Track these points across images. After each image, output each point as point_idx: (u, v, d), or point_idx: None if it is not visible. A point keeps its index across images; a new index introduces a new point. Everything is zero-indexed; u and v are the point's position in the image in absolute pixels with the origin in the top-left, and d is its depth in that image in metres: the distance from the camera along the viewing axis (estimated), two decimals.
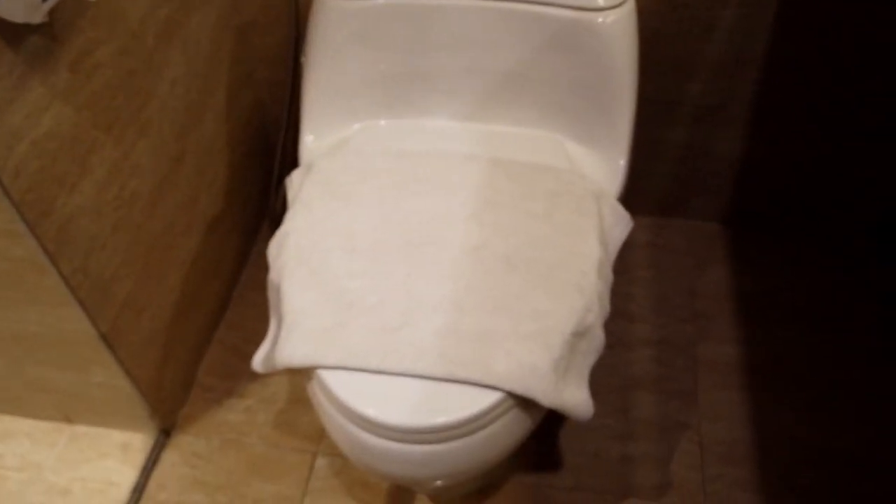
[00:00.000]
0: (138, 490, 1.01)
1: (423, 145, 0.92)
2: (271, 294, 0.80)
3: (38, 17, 0.62)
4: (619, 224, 0.84)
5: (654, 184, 1.29)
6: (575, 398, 0.70)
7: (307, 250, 0.77)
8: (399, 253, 0.76)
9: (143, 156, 0.93)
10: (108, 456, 1.04)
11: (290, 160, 1.31)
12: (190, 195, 1.07)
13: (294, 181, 0.89)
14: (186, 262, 1.08)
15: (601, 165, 0.90)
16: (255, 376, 1.14)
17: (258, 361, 0.77)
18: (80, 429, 1.08)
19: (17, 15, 0.62)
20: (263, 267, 1.30)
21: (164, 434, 1.07)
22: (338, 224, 0.80)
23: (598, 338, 0.73)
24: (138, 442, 1.05)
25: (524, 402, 0.68)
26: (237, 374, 1.15)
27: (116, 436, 1.06)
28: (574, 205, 0.80)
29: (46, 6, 0.63)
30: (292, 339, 0.70)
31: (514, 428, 0.69)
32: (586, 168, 0.90)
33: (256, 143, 1.31)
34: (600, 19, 0.86)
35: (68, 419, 1.08)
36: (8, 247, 0.77)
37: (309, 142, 0.97)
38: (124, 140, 0.88)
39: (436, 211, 0.80)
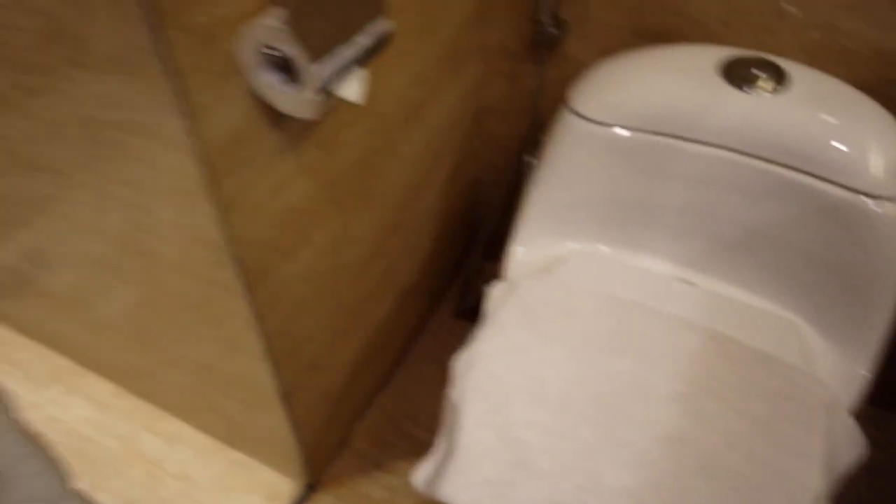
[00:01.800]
0: None
1: (637, 291, 0.86)
2: (448, 410, 0.78)
3: (315, 115, 0.65)
4: (850, 448, 0.72)
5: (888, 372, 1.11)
6: None
7: (491, 383, 0.74)
8: (586, 417, 0.70)
9: (362, 228, 0.95)
10: (255, 492, 1.08)
11: (491, 251, 1.30)
12: (392, 264, 1.09)
13: (494, 294, 0.87)
14: (371, 328, 1.10)
15: (840, 369, 0.78)
16: (405, 453, 1.13)
17: (421, 480, 0.75)
18: (238, 456, 1.13)
19: (300, 111, 0.65)
20: (436, 341, 1.29)
21: (310, 488, 1.09)
22: (528, 363, 0.75)
23: None
24: (286, 487, 1.08)
25: None
26: (389, 446, 1.15)
27: (267, 474, 1.10)
28: (801, 416, 0.70)
29: (323, 106, 0.65)
30: (458, 482, 0.67)
31: None
32: (821, 366, 0.79)
33: (464, 221, 1.32)
34: (877, 208, 0.75)
35: (231, 443, 1.13)
36: (223, 299, 0.81)
37: (518, 253, 0.94)
38: (348, 213, 0.91)
39: (635, 378, 0.73)
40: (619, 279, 0.88)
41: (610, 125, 0.86)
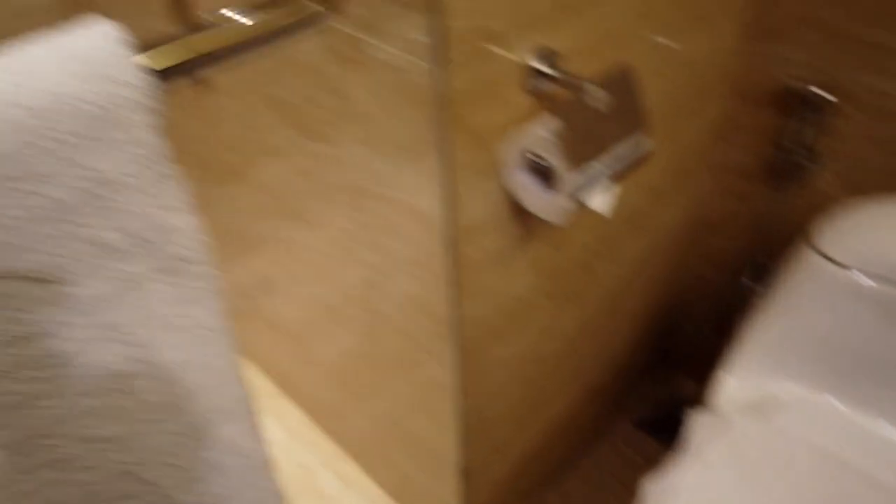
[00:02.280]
0: None
1: (862, 457, 0.78)
2: None
3: (562, 221, 0.68)
4: None
5: None
6: None
7: None
8: None
9: (566, 323, 0.96)
10: None
11: (687, 366, 1.25)
12: (584, 362, 1.08)
13: (698, 424, 0.83)
14: (552, 421, 1.09)
15: None
16: None
17: None
18: None
19: (548, 215, 0.69)
20: (613, 449, 1.25)
21: None
22: None
23: None
24: None
25: None
26: None
27: None
28: None
29: (572, 213, 0.68)
30: None
31: None
32: None
33: (662, 330, 1.28)
34: None
35: (400, 501, 1.17)
36: (433, 367, 0.86)
37: (729, 382, 0.90)
38: (559, 307, 0.93)
39: None
40: (845, 439, 0.81)
41: (859, 272, 0.80)
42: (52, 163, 0.35)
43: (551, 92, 0.68)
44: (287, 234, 1.01)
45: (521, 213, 0.76)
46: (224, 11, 0.42)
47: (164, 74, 0.38)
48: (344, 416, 1.18)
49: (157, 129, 0.38)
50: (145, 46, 0.38)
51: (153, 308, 0.41)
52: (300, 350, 1.20)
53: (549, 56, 0.66)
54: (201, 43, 0.40)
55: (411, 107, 0.65)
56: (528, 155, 0.68)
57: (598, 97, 0.61)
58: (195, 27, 0.41)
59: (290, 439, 1.29)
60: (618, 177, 0.70)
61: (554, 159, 0.65)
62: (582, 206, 0.69)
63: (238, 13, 0.43)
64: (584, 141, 0.66)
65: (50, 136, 0.35)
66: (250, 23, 0.42)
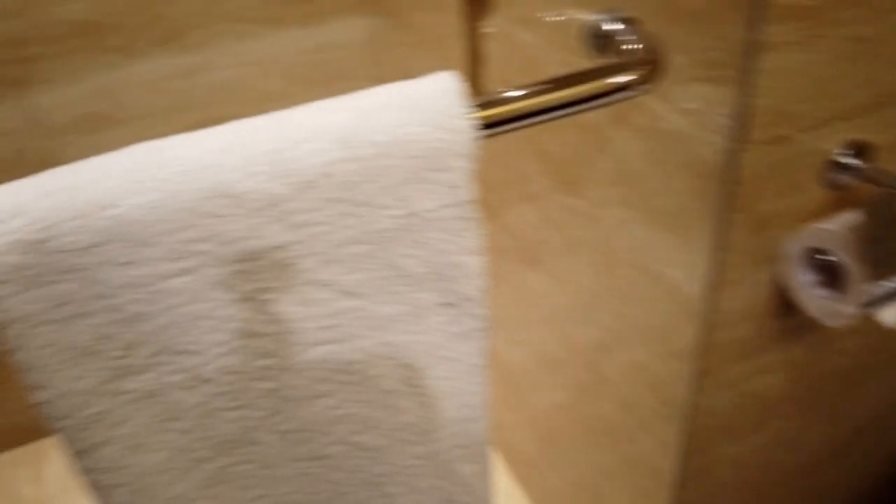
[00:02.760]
0: None
1: None
2: None
3: (839, 325, 0.62)
4: None
5: None
6: None
7: None
8: None
9: (813, 437, 0.87)
10: None
11: None
12: (820, 485, 0.96)
13: None
14: None
15: None
16: None
17: None
18: None
19: (825, 318, 0.63)
20: None
21: None
22: None
23: None
24: None
25: None
26: None
27: None
28: None
29: (853, 321, 0.62)
30: None
31: None
32: None
33: None
34: None
35: None
36: (651, 449, 0.81)
37: None
38: (807, 417, 0.84)
39: None
40: None
41: None
42: (379, 192, 0.39)
43: (854, 188, 0.63)
44: (522, 278, 1.03)
45: (786, 308, 0.70)
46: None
47: (488, 127, 0.41)
48: (541, 472, 1.17)
49: (470, 175, 0.41)
50: (477, 99, 0.41)
51: (430, 337, 0.44)
52: (510, 394, 1.20)
53: (857, 148, 0.61)
54: (525, 103, 0.42)
55: (690, 179, 0.63)
56: (817, 251, 0.62)
57: None
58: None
59: None
60: None
61: (850, 262, 0.59)
62: (867, 315, 0.62)
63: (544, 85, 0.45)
64: (888, 247, 0.60)
65: (383, 169, 0.38)
66: (568, 90, 0.44)
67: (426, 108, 0.39)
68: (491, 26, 0.87)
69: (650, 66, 0.46)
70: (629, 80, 0.45)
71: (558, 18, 0.68)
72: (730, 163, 0.58)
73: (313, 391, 0.43)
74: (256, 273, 0.37)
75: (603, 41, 0.52)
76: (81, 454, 0.38)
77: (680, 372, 0.73)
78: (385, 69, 1.23)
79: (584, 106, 0.44)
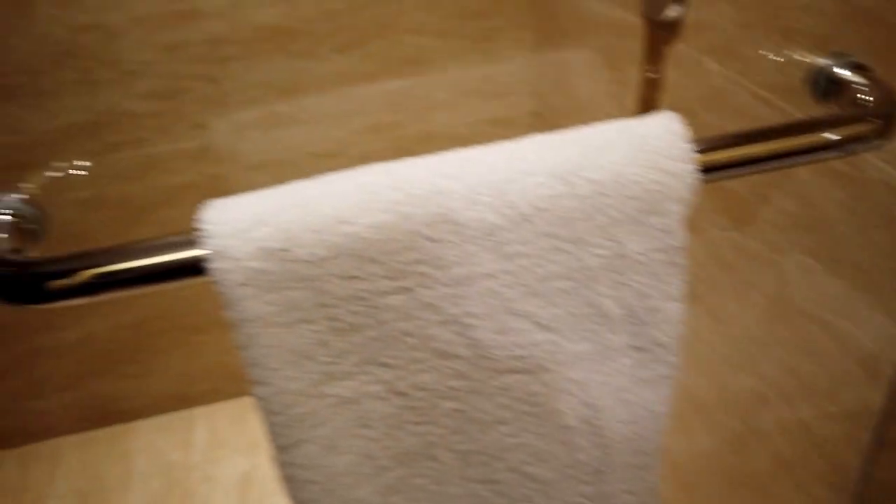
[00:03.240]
0: None
1: None
2: None
3: None
4: None
5: None
6: None
7: None
8: None
9: None
10: None
11: None
12: None
13: None
14: None
15: None
16: None
17: None
18: None
19: None
20: None
21: None
22: None
23: None
24: None
25: None
26: None
27: None
28: None
29: None
30: None
31: None
32: None
33: None
34: None
35: None
36: None
37: None
38: None
39: None
40: None
41: None
42: (592, 230, 0.39)
43: None
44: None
45: None
46: None
47: (706, 171, 0.39)
48: None
49: (685, 220, 0.40)
50: (698, 143, 0.39)
51: (616, 379, 0.43)
52: None
53: None
54: (749, 149, 0.40)
55: (893, 236, 0.58)
56: None
57: None
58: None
59: None
60: None
61: None
62: None
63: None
64: None
65: (599, 207, 0.38)
66: (798, 139, 0.42)
67: (648, 150, 0.38)
68: (674, 52, 0.85)
69: (885, 119, 0.43)
70: (862, 132, 0.42)
71: (774, 58, 0.65)
72: None
73: (495, 417, 0.43)
74: (464, 298, 0.38)
75: (828, 87, 0.49)
76: (284, 449, 0.40)
77: (855, 438, 0.67)
78: (557, 87, 1.23)
79: (811, 157, 0.42)
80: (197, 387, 1.48)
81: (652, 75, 0.90)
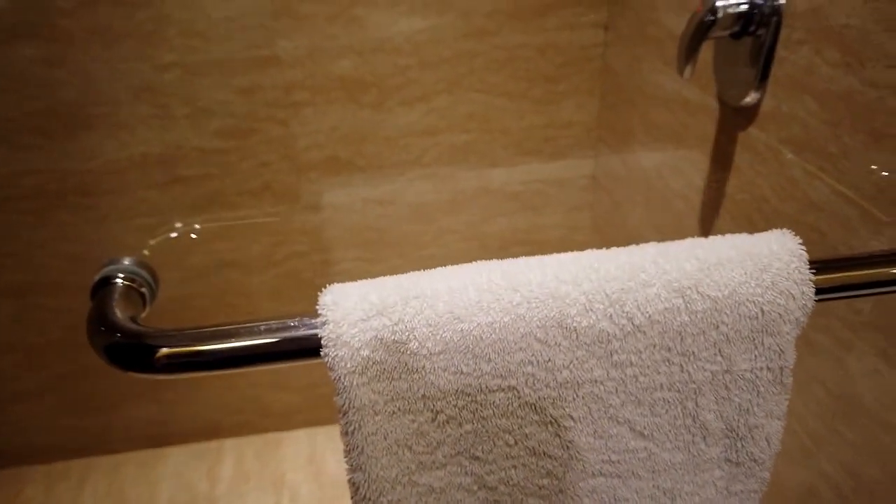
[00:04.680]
0: None
1: None
2: None
3: None
4: None
5: None
6: None
7: None
8: None
9: None
10: None
11: None
12: None
13: None
14: None
15: None
16: None
17: None
18: None
19: None
20: None
21: None
22: None
23: None
24: None
25: None
26: None
27: None
28: None
29: None
30: None
31: None
32: None
33: None
34: None
35: None
36: None
37: None
38: None
39: None
40: None
41: None
42: (703, 346, 0.38)
43: None
44: None
45: None
46: None
47: (821, 291, 0.39)
48: None
49: (796, 342, 0.39)
50: (813, 264, 0.39)
51: (706, 490, 0.42)
52: None
53: None
54: (867, 272, 0.40)
55: None
56: None
57: None
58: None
59: None
60: None
61: None
62: None
63: None
64: None
65: (713, 324, 0.38)
66: None
67: (767, 269, 0.38)
68: (748, 139, 0.85)
69: None
70: None
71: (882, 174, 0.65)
72: None
73: None
74: (566, 401, 0.38)
75: None
76: None
77: None
78: (607, 148, 1.24)
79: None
80: (229, 419, 1.49)
81: (728, 153, 0.89)
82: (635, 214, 1.18)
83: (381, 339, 0.36)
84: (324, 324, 0.36)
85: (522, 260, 0.38)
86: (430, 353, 0.36)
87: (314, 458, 1.48)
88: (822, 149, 0.72)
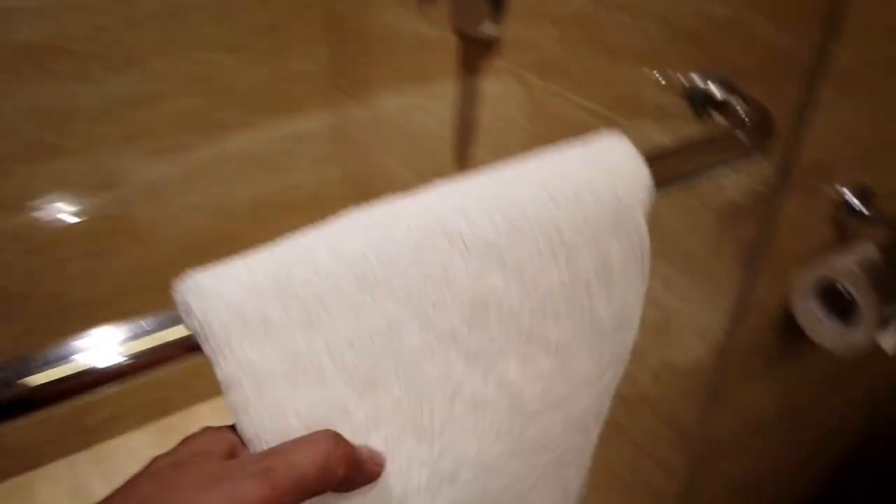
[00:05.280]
0: None
1: None
2: None
3: (851, 356, 0.68)
4: None
5: None
6: None
7: None
8: None
9: (790, 452, 0.95)
10: None
11: None
12: (795, 491, 1.05)
13: None
14: None
15: None
16: None
17: None
18: None
19: (835, 347, 0.69)
20: None
21: None
22: None
23: None
24: None
25: None
26: None
27: None
28: None
29: (861, 346, 0.68)
30: None
31: None
32: None
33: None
34: None
35: None
36: (653, 477, 0.86)
37: None
38: (787, 432, 0.91)
39: None
40: None
41: None
42: (581, 244, 0.39)
43: (863, 228, 0.71)
44: None
45: (791, 336, 0.77)
46: None
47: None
48: None
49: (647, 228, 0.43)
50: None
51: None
52: None
53: (864, 193, 0.69)
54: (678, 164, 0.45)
55: (722, 228, 0.68)
56: (828, 284, 0.69)
57: None
58: None
59: None
60: None
61: (862, 295, 0.67)
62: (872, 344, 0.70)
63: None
64: (892, 280, 0.68)
65: (583, 216, 0.39)
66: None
67: (609, 164, 0.40)
68: (493, 67, 0.89)
69: (762, 131, 0.51)
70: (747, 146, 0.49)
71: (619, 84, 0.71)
72: (766, 210, 0.63)
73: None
74: (480, 321, 0.37)
75: (703, 104, 0.56)
76: None
77: (696, 403, 0.77)
78: (357, 102, 1.21)
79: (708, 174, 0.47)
80: None
81: (471, 86, 0.93)
82: (389, 161, 1.18)
83: (259, 289, 0.31)
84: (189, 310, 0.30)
85: (374, 206, 0.35)
86: (318, 295, 0.32)
87: (78, 489, 1.26)
88: (565, 70, 0.79)
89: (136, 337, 0.30)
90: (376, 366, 0.34)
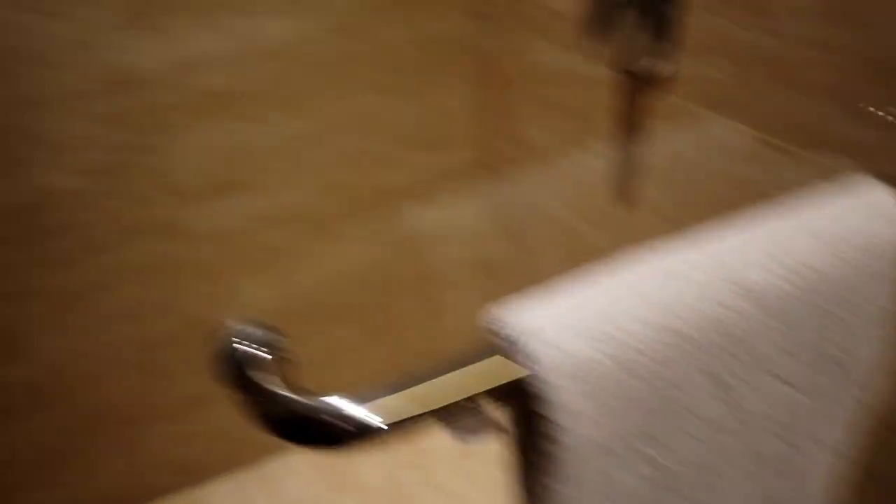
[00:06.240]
0: None
1: None
2: None
3: None
4: None
5: None
6: None
7: None
8: None
9: None
10: None
11: None
12: None
13: None
14: None
15: None
16: None
17: None
18: None
19: None
20: None
21: None
22: None
23: None
24: None
25: None
26: None
27: None
28: None
29: None
30: None
31: None
32: None
33: None
34: None
35: None
36: None
37: None
38: None
39: None
40: None
41: None
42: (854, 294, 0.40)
43: None
44: None
45: None
46: None
47: None
48: None
49: None
50: None
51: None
52: None
53: None
54: None
55: None
56: None
57: None
58: None
59: None
60: None
61: None
62: None
63: None
64: None
65: (858, 276, 0.39)
66: None
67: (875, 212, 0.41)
68: (661, 104, 0.86)
69: None
70: None
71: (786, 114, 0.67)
72: None
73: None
74: (737, 361, 0.38)
75: None
76: None
77: None
78: (502, 135, 1.23)
79: None
80: (144, 482, 1.31)
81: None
82: (541, 198, 1.17)
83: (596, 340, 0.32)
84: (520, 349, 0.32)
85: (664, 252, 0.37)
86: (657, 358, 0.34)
87: None
88: (735, 100, 0.75)
89: None
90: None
